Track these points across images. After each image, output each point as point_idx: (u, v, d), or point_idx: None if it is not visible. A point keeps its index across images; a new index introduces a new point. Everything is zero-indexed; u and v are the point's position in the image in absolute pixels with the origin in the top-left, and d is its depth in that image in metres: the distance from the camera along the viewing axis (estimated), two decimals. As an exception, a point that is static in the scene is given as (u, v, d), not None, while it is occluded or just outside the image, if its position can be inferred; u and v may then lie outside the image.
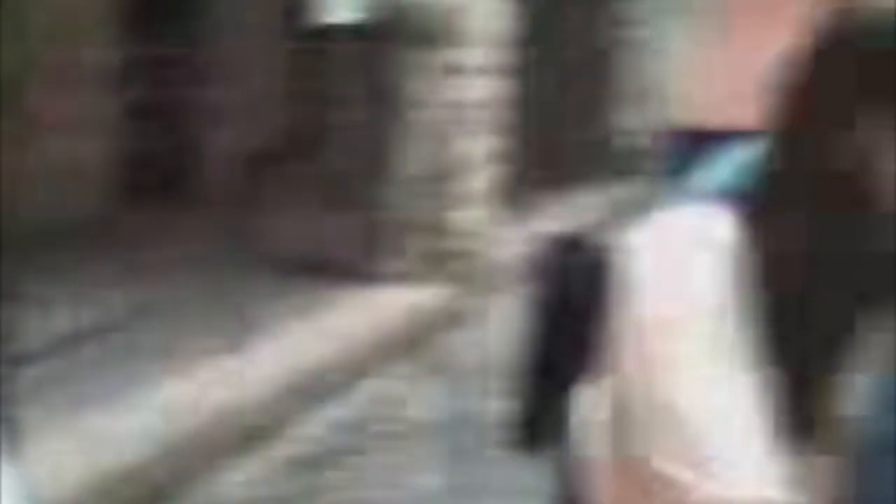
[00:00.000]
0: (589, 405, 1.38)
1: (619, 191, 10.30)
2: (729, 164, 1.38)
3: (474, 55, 6.61)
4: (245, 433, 4.47)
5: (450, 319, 6.34)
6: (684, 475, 1.20)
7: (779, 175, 1.30)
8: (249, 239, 6.78)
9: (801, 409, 1.24)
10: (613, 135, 12.35)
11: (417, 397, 5.26)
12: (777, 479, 1.21)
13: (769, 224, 1.27)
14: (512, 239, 6.68)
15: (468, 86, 6.56)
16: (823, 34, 1.30)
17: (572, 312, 1.41)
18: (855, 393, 1.26)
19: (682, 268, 1.26)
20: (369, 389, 5.28)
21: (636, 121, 12.43)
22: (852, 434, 1.25)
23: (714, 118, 3.25)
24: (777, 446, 1.22)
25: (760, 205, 1.30)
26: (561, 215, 8.74)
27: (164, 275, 6.15)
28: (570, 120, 10.76)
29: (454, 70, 6.45)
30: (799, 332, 1.24)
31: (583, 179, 10.61)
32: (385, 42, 6.41)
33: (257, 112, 9.43)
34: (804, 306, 1.24)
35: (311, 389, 4.99)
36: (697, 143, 2.63)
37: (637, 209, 1.50)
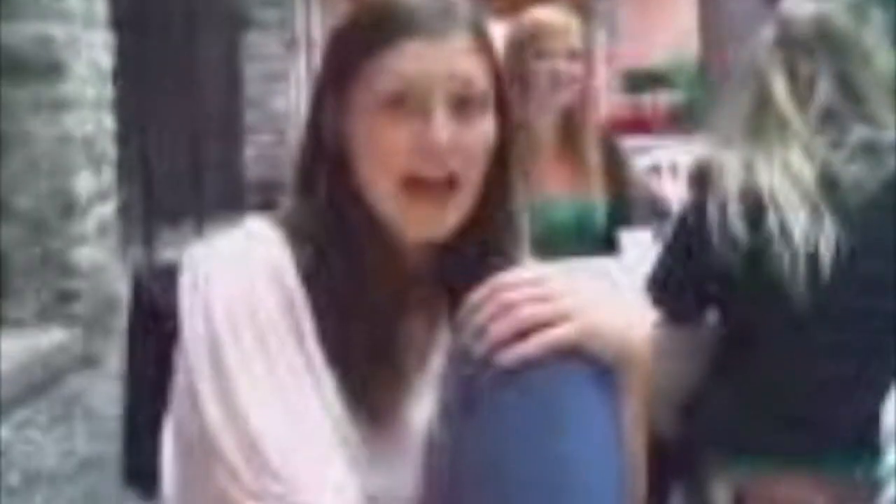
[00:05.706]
0: (167, 441, 1.34)
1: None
2: None
3: (82, 89, 6.39)
4: None
5: (78, 362, 6.10)
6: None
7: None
8: None
9: (367, 405, 1.27)
10: (244, 166, 12.31)
11: (49, 444, 5.04)
12: (354, 499, 1.22)
13: (298, 236, 1.32)
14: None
15: (80, 120, 6.34)
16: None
17: (171, 348, 1.38)
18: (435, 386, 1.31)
19: (237, 284, 1.26)
20: (-6, 440, 5.00)
21: (268, 152, 12.46)
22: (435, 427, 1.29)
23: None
24: (351, 459, 1.24)
25: (291, 219, 1.36)
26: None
27: None
28: (198, 152, 10.63)
29: (62, 104, 6.20)
30: (349, 332, 1.27)
31: (218, 212, 10.50)
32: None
33: None
34: (344, 307, 1.29)
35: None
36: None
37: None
